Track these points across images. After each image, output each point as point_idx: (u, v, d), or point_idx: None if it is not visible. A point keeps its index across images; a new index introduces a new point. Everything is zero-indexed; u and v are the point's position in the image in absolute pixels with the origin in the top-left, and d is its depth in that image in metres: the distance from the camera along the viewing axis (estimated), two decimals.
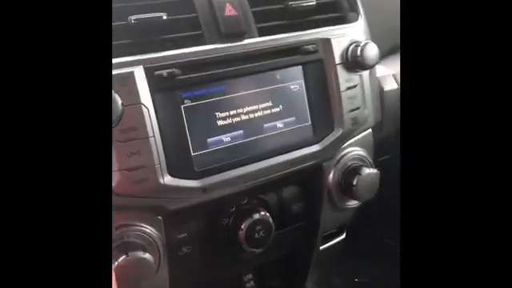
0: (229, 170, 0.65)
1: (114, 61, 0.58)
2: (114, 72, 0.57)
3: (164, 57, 0.61)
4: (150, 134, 0.59)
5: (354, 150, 0.78)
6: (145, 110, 0.58)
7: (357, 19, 0.79)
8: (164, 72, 0.60)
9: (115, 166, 0.57)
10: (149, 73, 0.59)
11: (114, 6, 0.60)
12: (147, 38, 0.62)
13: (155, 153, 0.59)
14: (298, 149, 0.71)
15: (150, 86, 0.59)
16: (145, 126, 0.58)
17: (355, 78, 0.75)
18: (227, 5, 0.66)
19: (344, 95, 0.73)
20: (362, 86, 0.76)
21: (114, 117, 0.55)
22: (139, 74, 0.58)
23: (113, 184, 0.57)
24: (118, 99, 0.55)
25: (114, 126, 0.56)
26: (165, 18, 0.62)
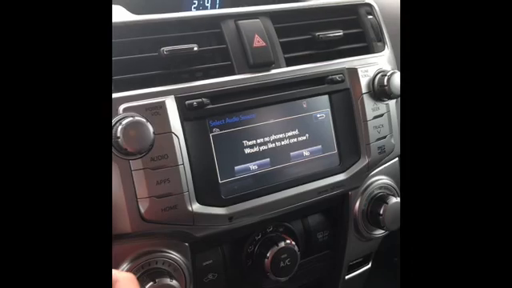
0: (255, 198, 0.66)
1: (147, 90, 0.60)
2: (147, 101, 0.59)
3: (194, 87, 0.63)
4: (180, 161, 0.60)
5: (380, 179, 0.78)
6: (175, 138, 0.60)
7: (383, 49, 0.80)
8: (194, 101, 0.62)
9: (145, 192, 0.58)
10: (179, 102, 0.61)
11: (147, 37, 0.63)
12: (178, 69, 0.64)
13: (184, 180, 0.60)
14: (325, 177, 0.71)
15: (180, 115, 0.61)
16: (175, 154, 0.60)
17: (382, 107, 0.75)
18: (256, 36, 0.68)
19: (371, 124, 0.73)
20: (389, 115, 0.76)
21: (146, 145, 0.56)
22: (170, 104, 0.60)
23: (142, 210, 0.58)
24: (149, 128, 0.56)
25: (145, 153, 0.57)
26: (196, 49, 0.64)
